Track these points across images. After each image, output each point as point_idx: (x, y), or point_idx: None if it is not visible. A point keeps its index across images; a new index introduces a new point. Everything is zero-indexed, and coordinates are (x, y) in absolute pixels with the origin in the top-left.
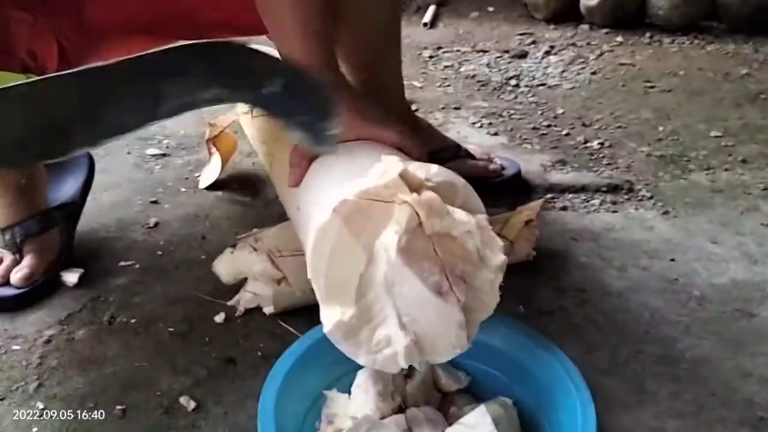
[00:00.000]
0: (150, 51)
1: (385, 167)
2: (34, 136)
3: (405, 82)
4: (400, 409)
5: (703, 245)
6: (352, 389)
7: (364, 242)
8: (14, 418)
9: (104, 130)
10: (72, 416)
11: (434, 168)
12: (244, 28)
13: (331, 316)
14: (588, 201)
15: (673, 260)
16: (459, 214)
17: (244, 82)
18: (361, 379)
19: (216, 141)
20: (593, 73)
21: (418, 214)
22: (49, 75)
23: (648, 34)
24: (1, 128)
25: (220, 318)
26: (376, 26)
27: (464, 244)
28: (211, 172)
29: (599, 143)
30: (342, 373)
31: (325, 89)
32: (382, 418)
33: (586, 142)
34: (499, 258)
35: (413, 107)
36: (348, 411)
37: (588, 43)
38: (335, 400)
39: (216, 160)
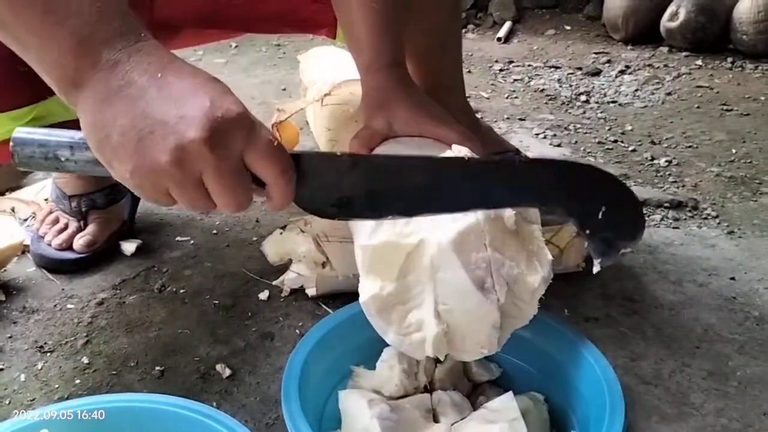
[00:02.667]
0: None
1: (455, 154)
2: (356, 199)
3: (473, 93)
4: (426, 390)
5: None
6: (378, 364)
7: None
8: (60, 369)
9: (420, 210)
10: (113, 373)
11: None
12: (302, 22)
13: (369, 288)
14: (649, 215)
15: (733, 279)
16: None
17: (583, 207)
18: (387, 355)
19: (281, 127)
20: (668, 94)
21: None
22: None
23: (730, 59)
24: (332, 188)
25: (264, 295)
26: (439, 13)
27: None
28: None
29: (666, 161)
30: (373, 353)
31: (639, 210)
32: (405, 395)
33: (652, 159)
34: (546, 271)
35: (478, 116)
36: (372, 384)
37: (665, 65)
38: (361, 375)
39: None
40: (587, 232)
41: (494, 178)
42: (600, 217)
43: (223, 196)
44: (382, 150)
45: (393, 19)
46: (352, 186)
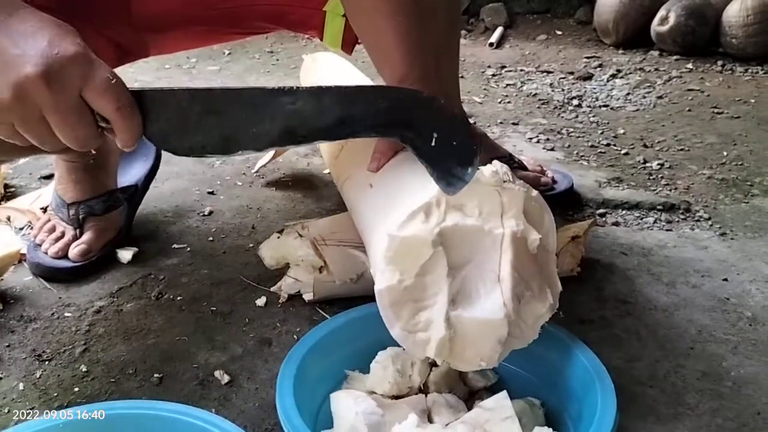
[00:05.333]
0: (337, 85)
1: (496, 167)
2: (201, 132)
3: (465, 97)
4: (420, 392)
5: (760, 268)
6: (372, 365)
7: None
8: (59, 377)
9: (270, 140)
10: (112, 380)
11: (534, 192)
12: (291, 24)
13: (387, 278)
14: (642, 218)
15: (726, 280)
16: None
17: (411, 133)
18: (382, 357)
19: None
20: (659, 97)
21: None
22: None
23: (720, 62)
24: (177, 124)
25: (261, 301)
26: (439, 16)
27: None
28: (262, 159)
29: (659, 164)
30: (368, 360)
31: (473, 138)
32: (399, 396)
33: (645, 162)
34: (554, 301)
35: (471, 120)
36: (366, 385)
37: (656, 69)
38: (355, 378)
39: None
40: (425, 160)
41: (329, 105)
42: (433, 144)
43: (64, 130)
44: (400, 157)
45: (418, 32)
46: (196, 119)
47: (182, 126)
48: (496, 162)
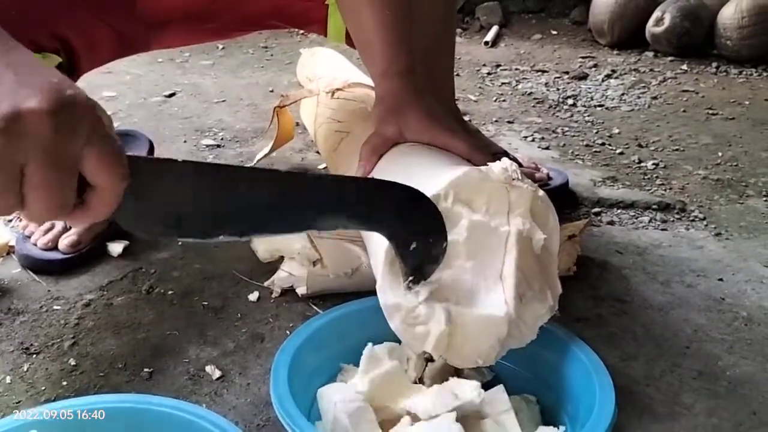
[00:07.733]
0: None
1: (506, 164)
2: (191, 215)
3: (461, 95)
4: None
5: (755, 268)
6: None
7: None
8: (47, 371)
9: (252, 227)
10: (101, 374)
11: (541, 192)
12: (293, 18)
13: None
14: (637, 217)
15: (721, 280)
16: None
17: (400, 237)
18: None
19: (281, 113)
20: (654, 98)
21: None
22: (221, 164)
23: (714, 64)
24: (165, 201)
25: (253, 297)
26: (434, 18)
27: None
28: (263, 150)
29: (654, 164)
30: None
31: (445, 237)
32: None
33: (640, 161)
34: (554, 302)
35: (466, 118)
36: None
37: (651, 69)
38: (350, 371)
39: (269, 140)
40: (400, 256)
41: (328, 200)
42: (412, 248)
43: (44, 191)
44: (390, 156)
45: (405, 25)
46: (188, 199)
47: (169, 203)
48: (505, 159)
